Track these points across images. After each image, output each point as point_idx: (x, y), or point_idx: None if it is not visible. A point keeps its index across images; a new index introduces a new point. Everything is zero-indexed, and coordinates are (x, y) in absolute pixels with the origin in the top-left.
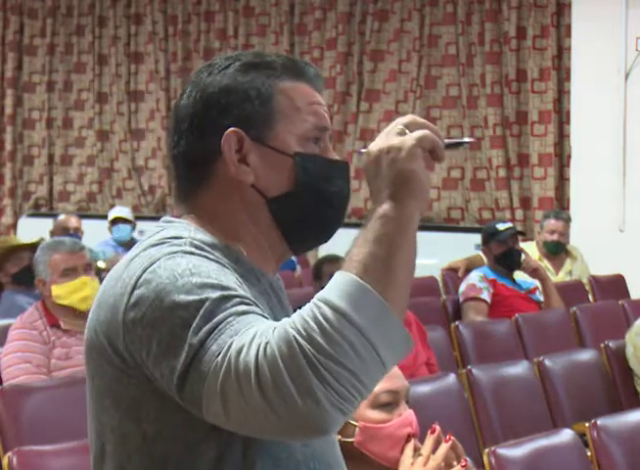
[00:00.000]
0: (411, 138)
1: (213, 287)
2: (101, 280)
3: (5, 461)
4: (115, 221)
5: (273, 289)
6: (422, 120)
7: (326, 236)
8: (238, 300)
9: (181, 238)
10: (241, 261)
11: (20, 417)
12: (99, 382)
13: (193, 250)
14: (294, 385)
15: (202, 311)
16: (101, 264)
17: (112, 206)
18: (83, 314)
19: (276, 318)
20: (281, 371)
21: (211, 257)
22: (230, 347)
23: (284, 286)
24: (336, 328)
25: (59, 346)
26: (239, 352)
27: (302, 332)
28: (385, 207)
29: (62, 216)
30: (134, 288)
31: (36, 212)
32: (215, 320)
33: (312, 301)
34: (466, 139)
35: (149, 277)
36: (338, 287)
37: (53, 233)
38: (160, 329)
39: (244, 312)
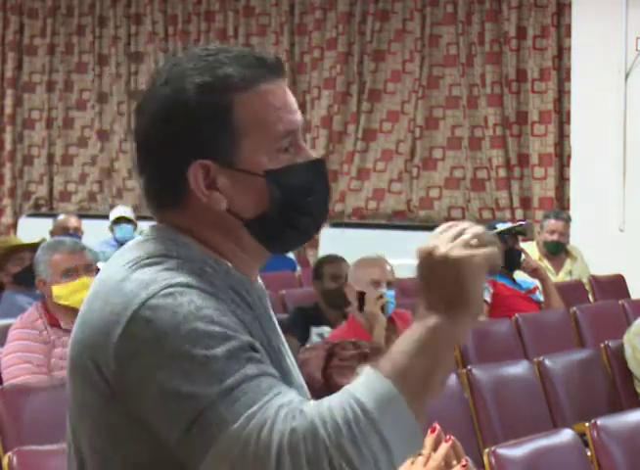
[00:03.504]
0: (480, 257)
1: (218, 338)
2: None
3: (5, 461)
4: (118, 221)
5: (259, 298)
6: (491, 235)
7: (309, 238)
8: (245, 356)
9: (172, 258)
10: (230, 274)
11: (20, 417)
12: (81, 402)
13: (190, 281)
14: None
15: (208, 369)
16: (101, 265)
17: (112, 206)
18: None
19: (263, 328)
20: (302, 468)
21: (209, 290)
22: (250, 419)
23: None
24: (366, 440)
25: (59, 345)
26: (261, 428)
27: (332, 435)
28: (439, 320)
29: (62, 216)
30: (130, 320)
31: (36, 212)
32: (227, 384)
33: (347, 399)
34: (520, 222)
35: (148, 314)
36: (375, 392)
37: (53, 233)
38: (157, 374)
39: (255, 376)
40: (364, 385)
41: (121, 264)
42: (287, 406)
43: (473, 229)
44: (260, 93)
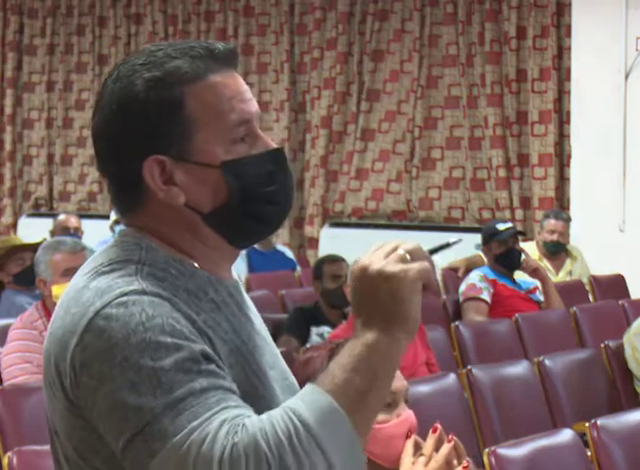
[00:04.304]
0: (414, 271)
1: (168, 349)
2: None
3: (5, 461)
4: (118, 222)
5: (231, 295)
6: (424, 251)
7: (275, 228)
8: (196, 368)
9: (132, 263)
10: (197, 275)
11: (20, 417)
12: (51, 413)
13: (144, 287)
14: None
15: (155, 381)
16: None
17: (111, 206)
18: None
19: (234, 328)
20: None
21: (165, 295)
22: (191, 433)
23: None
24: (308, 454)
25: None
26: (202, 442)
27: (274, 450)
28: (375, 337)
29: (62, 216)
30: (84, 330)
31: (36, 212)
32: (173, 397)
33: (288, 414)
34: (452, 240)
35: (101, 324)
36: (315, 406)
37: (53, 233)
38: (106, 384)
39: (203, 390)
40: (304, 400)
41: (84, 273)
42: (230, 422)
43: (406, 245)
44: (211, 84)
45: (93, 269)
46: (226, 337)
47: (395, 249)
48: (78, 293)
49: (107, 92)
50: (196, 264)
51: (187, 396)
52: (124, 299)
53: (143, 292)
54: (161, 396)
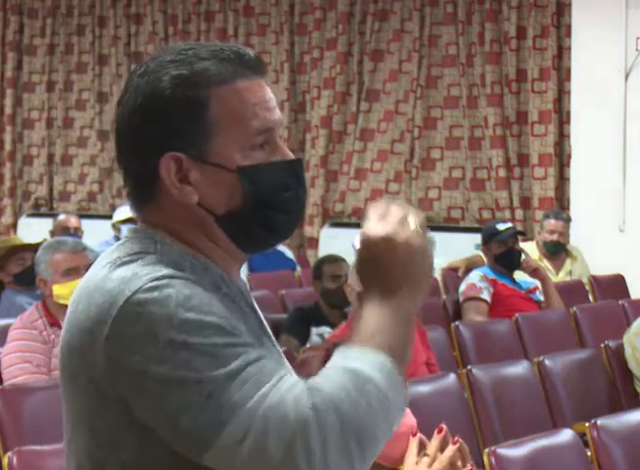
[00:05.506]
0: (431, 239)
1: (211, 326)
2: None
3: (5, 461)
4: (125, 221)
5: (241, 293)
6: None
7: (284, 238)
8: (240, 341)
9: (150, 254)
10: (210, 270)
11: (20, 417)
12: (74, 408)
13: (173, 273)
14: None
15: (208, 357)
16: None
17: (112, 205)
18: None
19: (246, 325)
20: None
21: (192, 277)
22: (263, 399)
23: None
24: (382, 408)
25: (59, 345)
26: (277, 406)
27: (351, 409)
28: (408, 303)
29: (62, 216)
30: (117, 318)
31: (36, 212)
32: (231, 368)
33: (360, 373)
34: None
35: (136, 310)
36: (376, 364)
37: (53, 233)
38: (156, 366)
39: (257, 359)
40: (368, 359)
41: (101, 267)
42: (296, 385)
43: (413, 214)
44: (237, 89)
45: (111, 262)
46: (246, 327)
47: (405, 215)
48: (100, 284)
49: (132, 86)
50: (207, 260)
51: (245, 366)
52: (156, 283)
53: (173, 276)
54: (219, 369)
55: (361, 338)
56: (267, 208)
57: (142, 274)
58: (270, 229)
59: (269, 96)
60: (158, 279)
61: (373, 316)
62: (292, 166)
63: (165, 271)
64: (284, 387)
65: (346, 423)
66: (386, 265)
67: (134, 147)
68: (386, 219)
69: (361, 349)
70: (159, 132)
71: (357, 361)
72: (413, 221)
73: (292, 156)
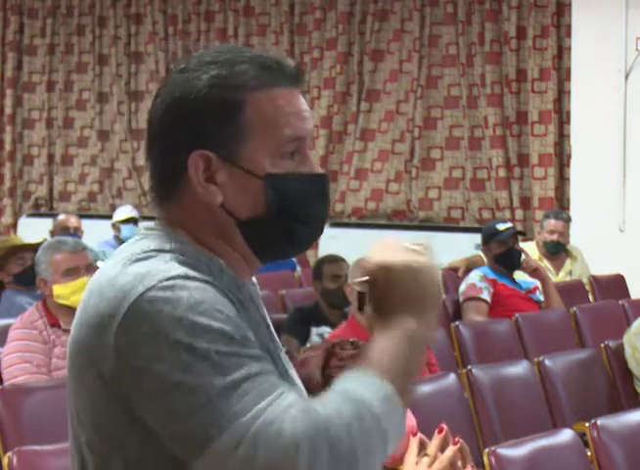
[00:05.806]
0: (434, 262)
1: (219, 333)
2: None
3: (5, 461)
4: (126, 221)
5: (252, 297)
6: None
7: (302, 250)
8: (245, 352)
9: (165, 252)
10: (224, 273)
11: (20, 417)
12: (80, 403)
13: (187, 273)
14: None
15: (210, 363)
16: (101, 265)
17: (112, 205)
18: None
19: (256, 330)
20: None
21: (207, 278)
22: (259, 414)
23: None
24: (374, 433)
25: (59, 345)
26: (271, 423)
27: (344, 431)
28: (415, 327)
29: (62, 216)
30: (127, 314)
31: (36, 212)
32: (232, 379)
33: (351, 398)
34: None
35: (146, 307)
36: (374, 389)
37: (53, 233)
38: (157, 366)
39: (259, 373)
40: (367, 384)
41: (115, 262)
42: (294, 405)
43: (415, 241)
44: (273, 96)
45: (125, 258)
46: (255, 336)
47: (409, 244)
48: (113, 279)
49: (170, 81)
50: (222, 263)
51: (245, 378)
52: (170, 283)
53: (187, 276)
54: (219, 377)
55: (370, 363)
56: (290, 218)
57: (156, 272)
58: (290, 240)
59: (304, 107)
60: (172, 278)
61: (384, 341)
62: (319, 180)
63: (180, 271)
64: (282, 404)
65: (338, 449)
66: (404, 292)
67: (165, 141)
68: (399, 249)
69: (364, 373)
70: (191, 129)
71: (358, 386)
72: (428, 249)
73: (320, 170)
